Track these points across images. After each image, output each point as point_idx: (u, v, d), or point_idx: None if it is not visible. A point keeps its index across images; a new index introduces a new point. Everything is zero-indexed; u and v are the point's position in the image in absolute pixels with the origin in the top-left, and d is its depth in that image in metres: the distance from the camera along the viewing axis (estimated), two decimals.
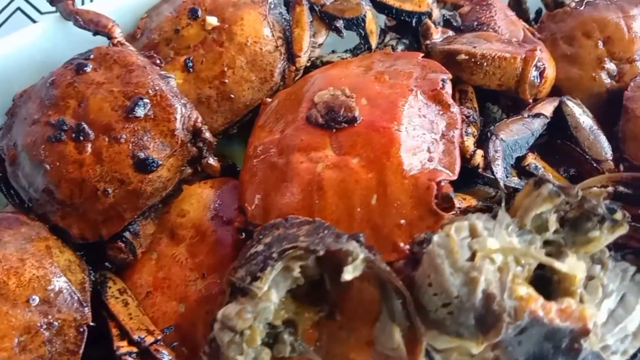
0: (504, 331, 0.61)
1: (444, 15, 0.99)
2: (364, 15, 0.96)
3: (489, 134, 0.87)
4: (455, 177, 0.75)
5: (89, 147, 0.81)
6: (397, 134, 0.76)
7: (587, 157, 0.89)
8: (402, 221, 0.72)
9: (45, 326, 0.73)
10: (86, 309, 0.77)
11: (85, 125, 0.81)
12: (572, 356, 0.62)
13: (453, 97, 0.91)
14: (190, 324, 0.83)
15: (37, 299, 0.75)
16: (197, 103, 0.92)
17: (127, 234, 0.84)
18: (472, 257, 0.62)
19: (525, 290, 0.61)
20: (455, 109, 0.80)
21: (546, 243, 0.66)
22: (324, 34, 0.98)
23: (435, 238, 0.63)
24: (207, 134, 0.85)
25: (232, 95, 0.92)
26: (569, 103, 0.92)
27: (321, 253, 0.65)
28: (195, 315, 0.84)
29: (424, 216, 0.72)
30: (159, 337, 0.77)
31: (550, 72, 0.91)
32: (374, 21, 0.97)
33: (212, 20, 0.93)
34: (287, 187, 0.77)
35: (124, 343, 0.77)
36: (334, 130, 0.78)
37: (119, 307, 0.81)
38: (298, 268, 0.67)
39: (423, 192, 0.73)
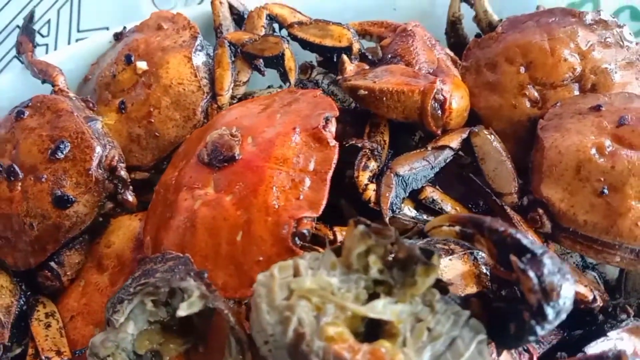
0: None
1: (360, 50, 1.00)
2: (282, 53, 0.99)
3: (384, 168, 0.87)
4: (317, 214, 0.76)
5: (18, 186, 0.92)
6: (268, 172, 0.79)
7: (490, 190, 0.86)
8: (261, 258, 0.74)
9: None
10: (6, 330, 0.87)
11: (15, 167, 0.92)
12: None
13: (364, 130, 0.93)
14: None
15: None
16: (129, 141, 1.01)
17: (52, 264, 0.93)
18: (290, 297, 0.64)
19: (335, 330, 0.61)
20: (334, 145, 0.81)
21: (378, 283, 0.66)
22: (247, 72, 1.03)
23: (259, 277, 0.65)
24: (122, 172, 0.93)
25: (157, 134, 1.00)
26: (480, 134, 0.89)
27: (164, 290, 0.70)
28: None
29: (281, 253, 0.74)
30: (65, 358, 0.86)
31: (456, 103, 0.89)
32: (292, 58, 1.00)
33: (142, 65, 1.02)
34: (170, 223, 0.82)
35: None
36: (217, 168, 0.83)
37: (39, 329, 0.90)
38: (150, 303, 0.72)
39: (282, 230, 0.75)
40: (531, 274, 0.58)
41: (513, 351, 0.74)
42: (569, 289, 0.59)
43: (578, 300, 0.75)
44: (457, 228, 0.68)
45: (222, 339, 0.73)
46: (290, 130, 0.83)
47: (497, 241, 0.62)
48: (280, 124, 0.85)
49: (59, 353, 0.86)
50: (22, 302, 0.93)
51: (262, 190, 0.78)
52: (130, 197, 0.94)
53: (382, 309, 0.61)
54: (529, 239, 0.60)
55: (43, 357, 0.86)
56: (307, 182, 0.79)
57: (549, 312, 0.58)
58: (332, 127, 0.84)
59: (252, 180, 0.79)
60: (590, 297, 0.76)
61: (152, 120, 1.00)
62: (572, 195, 0.79)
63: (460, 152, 0.93)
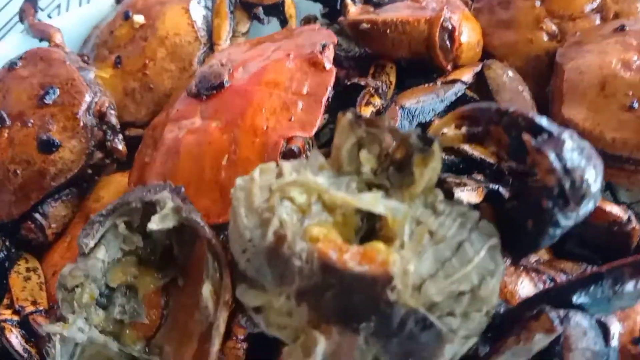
0: (297, 279, 0.53)
1: None
2: (283, 1, 0.95)
3: (390, 103, 0.80)
4: (309, 135, 0.69)
5: (5, 133, 0.88)
6: (257, 95, 0.73)
7: None
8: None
9: None
10: None
11: (3, 113, 0.88)
12: (384, 314, 0.52)
13: (369, 71, 0.87)
14: None
15: None
16: (123, 96, 0.97)
17: (36, 215, 0.88)
18: (271, 198, 0.56)
19: (320, 231, 0.53)
20: (330, 69, 0.75)
21: (372, 186, 0.58)
22: (246, 23, 0.99)
23: (238, 181, 0.58)
24: (112, 118, 0.89)
25: (152, 86, 0.95)
26: (493, 66, 0.82)
27: (136, 205, 0.63)
28: None
29: None
30: (40, 308, 0.79)
31: (466, 35, 0.82)
32: (292, 5, 0.96)
33: (139, 19, 0.98)
34: (155, 156, 0.76)
35: (8, 311, 0.79)
36: (204, 98, 0.77)
37: (17, 280, 0.84)
38: (123, 225, 0.65)
39: (271, 149, 0.68)
40: (548, 151, 0.49)
41: (536, 279, 0.64)
42: (593, 172, 0.50)
43: (611, 221, 0.65)
44: (464, 130, 0.60)
45: (201, 276, 0.65)
46: (284, 57, 0.77)
47: (509, 126, 0.53)
48: (274, 54, 0.80)
49: (34, 303, 0.79)
50: (3, 256, 0.87)
51: (250, 113, 0.72)
52: (120, 145, 0.89)
53: (372, 200, 0.53)
54: (545, 118, 0.51)
55: (16, 306, 0.79)
56: (300, 104, 0.72)
57: (571, 194, 0.48)
58: (330, 53, 0.77)
59: (240, 104, 0.73)
60: (625, 217, 0.65)
61: (147, 73, 0.96)
62: (597, 112, 0.70)
63: (474, 96, 0.86)
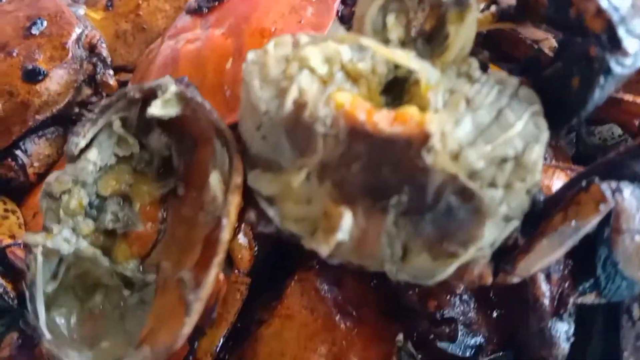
0: (321, 148, 0.48)
1: None
2: None
3: None
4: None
5: None
6: (262, 2, 0.68)
7: None
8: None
9: None
10: None
11: None
12: (418, 183, 0.46)
13: None
14: None
15: None
16: (114, 39, 0.91)
17: (17, 152, 0.81)
18: (288, 68, 0.51)
19: (345, 96, 0.48)
20: None
21: None
22: None
23: (250, 55, 0.52)
24: (104, 51, 0.83)
25: (145, 27, 0.90)
26: None
27: (135, 95, 0.57)
28: None
29: None
30: (19, 242, 0.71)
31: None
32: None
33: None
34: (151, 69, 0.71)
35: None
36: (205, 11, 0.72)
37: None
38: (118, 121, 0.59)
39: None
40: None
41: (571, 175, 0.59)
42: None
43: None
44: (493, 8, 0.56)
45: (204, 178, 0.59)
46: None
47: None
48: None
49: (12, 237, 0.71)
50: None
51: (256, 17, 0.67)
52: (110, 79, 0.83)
53: (405, 55, 0.48)
54: None
55: None
56: (310, 9, 0.68)
57: (624, 35, 0.44)
58: None
59: (245, 10, 0.68)
60: None
61: (140, 13, 0.91)
62: None
63: None
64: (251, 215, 0.54)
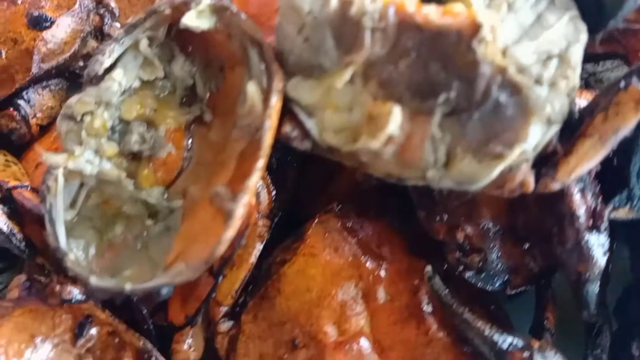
0: (369, 43, 0.47)
1: None
2: None
3: None
4: None
5: None
6: None
7: None
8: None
9: None
10: None
11: None
12: (467, 78, 0.46)
13: None
14: None
15: None
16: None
17: (20, 101, 0.77)
18: None
19: None
20: None
21: None
22: None
23: None
24: (112, 2, 0.81)
25: None
26: None
27: (166, 11, 0.56)
28: None
29: None
30: (26, 184, 0.67)
31: None
32: None
33: None
34: None
35: None
36: None
37: None
38: (145, 40, 0.57)
39: None
40: None
41: None
42: None
43: None
44: None
45: (233, 104, 0.58)
46: None
47: None
48: None
49: (17, 180, 0.68)
50: None
51: None
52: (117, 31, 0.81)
53: None
54: None
55: None
56: None
57: None
58: None
59: None
60: None
61: None
62: None
63: None
64: (287, 128, 0.52)
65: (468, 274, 0.63)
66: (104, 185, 0.56)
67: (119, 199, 0.57)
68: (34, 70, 0.77)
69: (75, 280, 0.53)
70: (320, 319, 0.61)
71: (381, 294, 0.63)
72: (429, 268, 0.62)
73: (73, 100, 0.57)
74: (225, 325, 0.65)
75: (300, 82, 0.51)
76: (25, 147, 0.80)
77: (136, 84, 0.59)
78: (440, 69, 0.47)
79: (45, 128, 0.80)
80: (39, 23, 0.77)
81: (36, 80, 0.78)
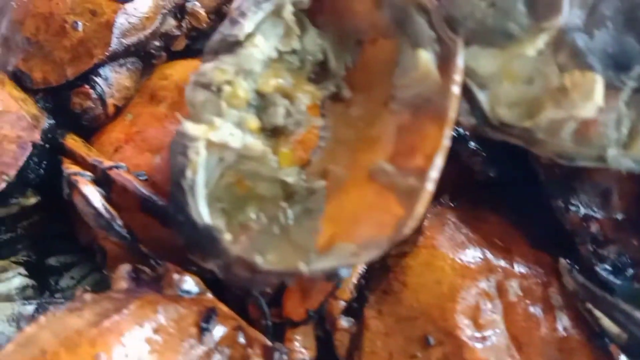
0: (566, 9, 0.45)
1: None
2: None
3: None
4: None
5: None
6: None
7: None
8: None
9: None
10: (35, 131, 0.62)
11: None
12: None
13: None
14: (167, 176, 0.66)
15: None
16: None
17: (97, 78, 0.71)
18: None
19: None
20: None
21: None
22: None
23: None
24: None
25: None
26: None
27: None
28: None
29: None
30: (121, 164, 0.61)
31: None
32: None
33: None
34: None
35: (75, 167, 0.60)
36: None
37: (77, 144, 0.65)
38: (290, 7, 0.53)
39: None
40: None
41: None
42: None
43: None
44: None
45: (378, 67, 0.54)
46: None
47: None
48: None
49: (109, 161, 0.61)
50: (48, 126, 0.67)
51: None
52: (200, 10, 0.76)
53: None
54: None
55: (91, 160, 0.60)
56: None
57: None
58: None
59: None
60: None
61: None
62: None
63: None
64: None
65: (599, 267, 0.61)
66: (243, 162, 0.51)
67: (256, 178, 0.52)
68: (114, 45, 0.71)
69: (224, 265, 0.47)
70: (455, 314, 0.57)
71: (513, 289, 0.60)
72: (563, 262, 0.60)
73: (208, 67, 0.52)
74: (344, 322, 0.60)
75: (478, 51, 0.48)
76: (94, 131, 0.73)
77: (273, 54, 0.54)
78: (636, 40, 0.45)
79: (120, 109, 0.74)
80: None
81: (114, 57, 0.72)
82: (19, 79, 0.71)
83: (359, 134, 0.53)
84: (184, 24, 0.77)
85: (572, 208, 0.60)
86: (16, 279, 0.64)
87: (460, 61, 0.46)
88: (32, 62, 0.71)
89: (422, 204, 0.43)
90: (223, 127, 0.50)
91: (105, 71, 0.71)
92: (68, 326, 0.48)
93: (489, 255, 0.61)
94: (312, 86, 0.55)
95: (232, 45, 0.52)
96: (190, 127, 0.49)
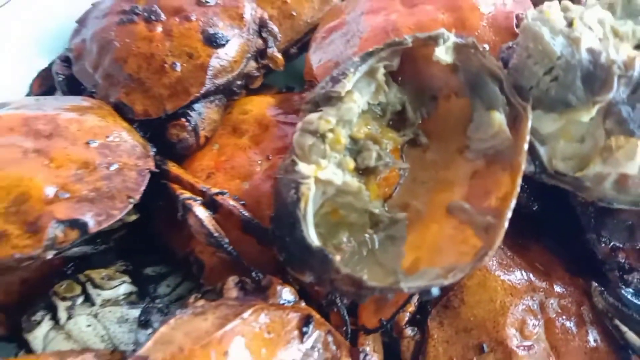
0: (615, 87, 0.56)
1: None
2: None
3: None
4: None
5: (159, 27, 0.82)
6: None
7: None
8: (485, 45, 0.69)
9: (104, 165, 0.68)
10: (149, 159, 0.72)
11: (157, 7, 0.84)
12: None
13: None
14: (255, 201, 0.76)
15: (97, 143, 0.70)
16: None
17: (192, 113, 0.81)
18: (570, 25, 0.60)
19: (630, 49, 0.57)
20: None
21: None
22: None
23: (529, 14, 0.61)
24: (273, 27, 0.87)
25: (294, 13, 0.96)
26: None
27: (409, 43, 0.63)
28: (259, 191, 0.77)
29: (505, 39, 0.70)
30: (225, 191, 0.71)
31: None
32: None
33: None
34: (354, 40, 0.77)
35: (187, 192, 0.70)
36: None
37: (181, 170, 0.75)
38: (382, 69, 0.64)
39: (503, 21, 0.72)
40: None
41: None
42: None
43: None
44: None
45: (452, 120, 0.65)
46: None
47: None
48: None
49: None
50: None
51: None
52: (278, 54, 0.86)
53: None
54: None
55: (200, 187, 0.71)
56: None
57: None
58: None
59: None
60: None
61: (287, 1, 0.96)
62: None
63: None
64: None
65: (624, 290, 0.72)
66: (341, 196, 0.62)
67: (349, 209, 0.63)
68: (207, 84, 0.81)
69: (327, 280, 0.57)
70: (505, 326, 0.68)
71: (552, 306, 0.71)
72: (595, 284, 0.71)
73: (313, 117, 0.63)
74: (410, 331, 0.70)
75: (541, 115, 0.59)
76: (185, 157, 0.83)
77: (364, 106, 0.65)
78: None
79: (208, 140, 0.84)
80: (215, 40, 0.82)
81: (206, 95, 0.82)
82: (121, 111, 0.81)
83: (434, 175, 0.65)
84: (261, 66, 0.88)
85: (603, 240, 0.71)
86: (122, 286, 0.74)
87: (529, 123, 0.57)
88: (133, 96, 0.81)
89: (500, 238, 0.54)
90: (328, 167, 0.60)
91: (199, 107, 0.82)
92: (197, 328, 0.58)
93: (532, 278, 0.72)
94: (394, 133, 0.66)
95: (333, 99, 0.62)
96: (304, 167, 0.59)
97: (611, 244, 0.72)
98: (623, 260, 0.72)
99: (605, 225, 0.71)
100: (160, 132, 0.81)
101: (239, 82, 0.86)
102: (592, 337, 0.70)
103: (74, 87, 0.88)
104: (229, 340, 0.57)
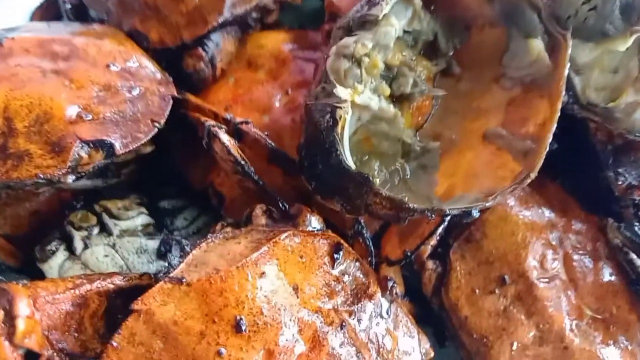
0: None
1: None
2: None
3: None
4: None
5: None
6: None
7: None
8: None
9: (126, 88, 0.66)
10: (170, 85, 0.70)
11: None
12: None
13: None
14: (276, 134, 0.75)
15: (118, 67, 0.68)
16: None
17: (209, 43, 0.79)
18: None
19: None
20: None
21: None
22: None
23: None
24: None
25: None
26: None
27: None
28: (280, 124, 0.76)
29: None
30: (249, 120, 0.70)
31: None
32: None
33: None
34: None
35: (212, 121, 0.69)
36: None
37: (200, 100, 0.74)
38: None
39: None
40: None
41: None
42: None
43: None
44: None
45: (486, 50, 0.65)
46: None
47: None
48: None
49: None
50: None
51: None
52: None
53: None
54: None
55: (226, 116, 0.69)
56: None
57: None
58: None
59: None
60: None
61: None
62: None
63: None
64: None
65: (638, 228, 0.74)
66: (375, 122, 0.61)
67: (383, 137, 0.62)
68: (225, 14, 0.78)
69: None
70: (526, 259, 0.69)
71: (570, 242, 0.73)
72: (611, 220, 0.73)
73: (349, 41, 0.61)
74: (431, 264, 0.71)
75: (578, 44, 0.59)
76: (200, 89, 0.81)
77: (400, 33, 0.64)
78: None
79: (223, 72, 0.82)
80: None
81: (223, 25, 0.79)
82: (135, 39, 0.78)
83: (467, 104, 0.64)
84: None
85: (620, 178, 0.73)
86: (140, 217, 0.73)
87: (569, 51, 0.58)
88: (149, 24, 0.78)
89: (540, 162, 0.55)
90: (364, 92, 0.59)
91: (216, 37, 0.79)
92: (231, 250, 0.58)
93: (551, 214, 0.73)
94: (428, 61, 0.66)
95: (369, 23, 0.61)
96: (341, 91, 0.58)
97: (627, 182, 0.74)
98: (638, 198, 0.74)
99: (622, 164, 0.73)
100: (175, 63, 0.79)
101: (255, 15, 0.84)
102: (607, 272, 0.72)
103: (82, 16, 0.84)
104: (265, 262, 0.56)
